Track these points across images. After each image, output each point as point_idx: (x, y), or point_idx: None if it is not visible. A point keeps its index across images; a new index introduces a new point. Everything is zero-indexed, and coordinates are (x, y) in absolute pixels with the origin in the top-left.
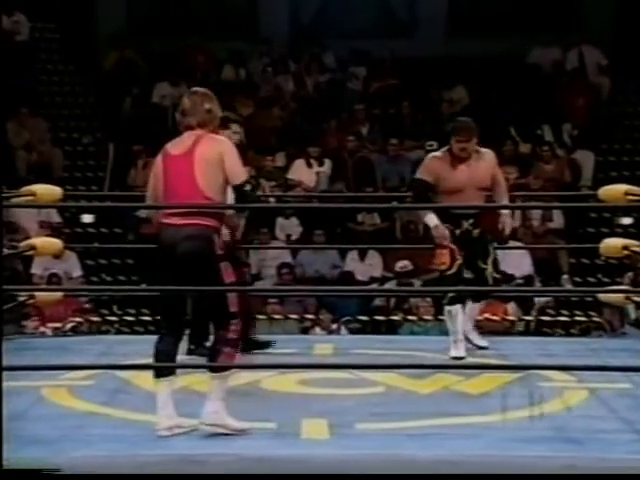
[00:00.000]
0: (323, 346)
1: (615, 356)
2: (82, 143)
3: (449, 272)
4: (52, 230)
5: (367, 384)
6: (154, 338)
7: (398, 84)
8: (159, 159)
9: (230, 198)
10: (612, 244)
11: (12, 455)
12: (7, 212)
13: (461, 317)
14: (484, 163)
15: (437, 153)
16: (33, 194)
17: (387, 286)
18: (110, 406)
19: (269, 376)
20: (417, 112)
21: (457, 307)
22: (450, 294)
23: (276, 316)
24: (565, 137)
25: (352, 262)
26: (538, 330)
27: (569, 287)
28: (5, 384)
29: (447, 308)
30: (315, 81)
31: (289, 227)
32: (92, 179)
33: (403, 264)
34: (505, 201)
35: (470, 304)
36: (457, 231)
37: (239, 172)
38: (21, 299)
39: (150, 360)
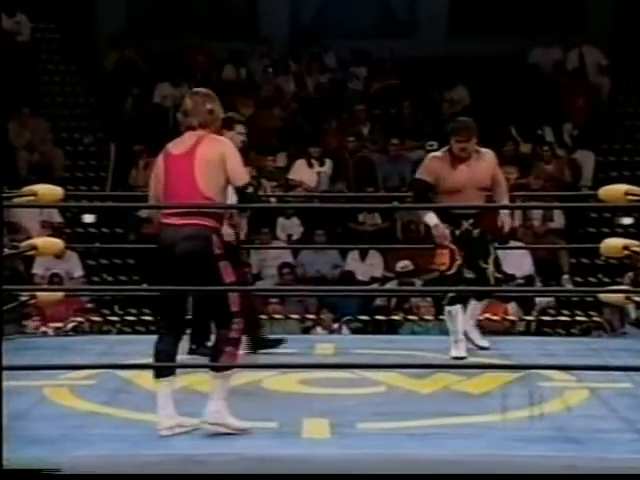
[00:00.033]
0: (324, 346)
1: (615, 356)
2: (83, 143)
3: (448, 272)
4: (53, 230)
5: (368, 384)
6: (155, 338)
7: (399, 84)
8: (160, 159)
9: (231, 199)
10: (612, 244)
11: (14, 455)
12: (8, 212)
13: (461, 317)
14: (484, 163)
15: (437, 153)
16: (34, 194)
17: (388, 286)
18: (111, 406)
19: (270, 376)
20: (418, 112)
21: (457, 307)
22: (450, 294)
23: (277, 316)
24: (565, 137)
25: (353, 262)
26: (539, 330)
27: (570, 287)
28: (7, 384)
29: (447, 308)
30: (316, 81)
31: (290, 227)
32: (93, 179)
33: (404, 264)
34: (505, 201)
35: (472, 303)
36: (457, 231)
37: (241, 174)
38: (22, 299)
39: (151, 360)
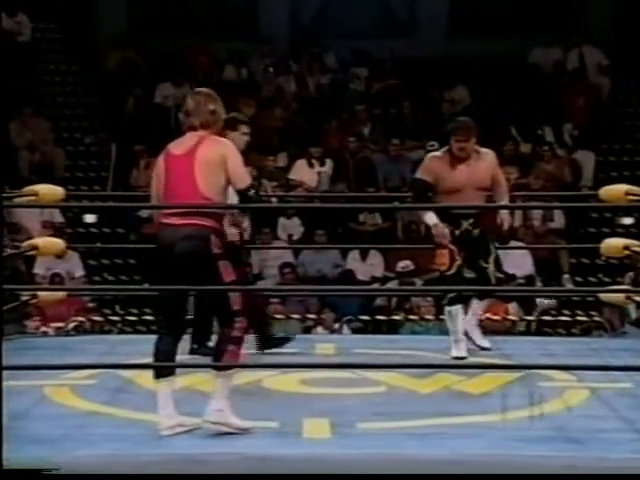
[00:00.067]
0: (325, 346)
1: (616, 356)
2: (84, 143)
3: (448, 273)
4: (54, 230)
5: (369, 384)
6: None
7: (399, 84)
8: (161, 159)
9: (231, 199)
10: (613, 244)
11: (15, 454)
12: (9, 212)
13: (461, 317)
14: (484, 163)
15: (437, 153)
16: (35, 194)
17: (388, 286)
18: (112, 405)
19: (271, 375)
20: (418, 112)
21: (457, 307)
22: (450, 295)
23: (278, 316)
24: (566, 137)
25: (353, 262)
26: (539, 330)
27: (570, 287)
28: (8, 383)
29: (447, 309)
30: (316, 81)
31: (291, 227)
32: (94, 179)
33: (404, 264)
34: (505, 201)
35: (474, 303)
36: (457, 231)
37: (243, 176)
38: (24, 299)
39: (152, 360)
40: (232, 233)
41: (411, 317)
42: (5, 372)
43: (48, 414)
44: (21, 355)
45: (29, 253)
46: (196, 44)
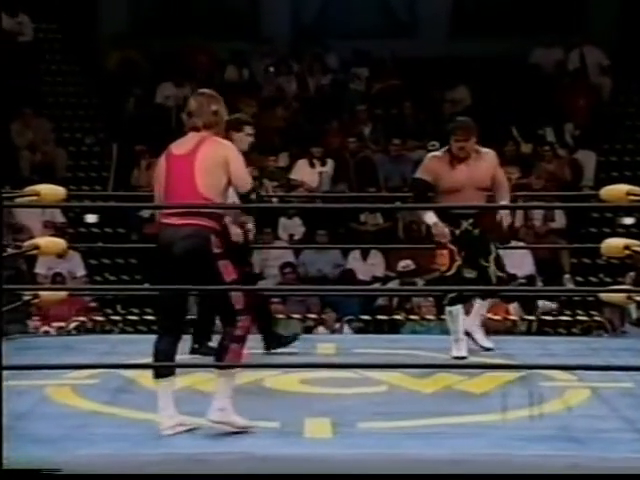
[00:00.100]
0: (326, 345)
1: (617, 355)
2: (85, 143)
3: (448, 273)
4: (56, 230)
5: (370, 383)
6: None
7: (400, 84)
8: (162, 159)
9: (232, 199)
10: (614, 244)
11: (16, 454)
12: (11, 212)
13: (462, 317)
14: (484, 163)
15: (437, 153)
16: (37, 194)
17: (389, 286)
18: (114, 405)
19: (272, 375)
20: (419, 112)
21: (458, 307)
22: (450, 295)
23: (279, 316)
24: (567, 137)
25: (354, 262)
26: (540, 330)
27: (571, 287)
28: (9, 383)
29: (447, 309)
30: (317, 82)
31: (292, 227)
32: (95, 179)
33: (405, 264)
34: (505, 200)
35: (477, 303)
36: (457, 231)
37: (245, 179)
38: (25, 299)
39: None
40: (237, 233)
41: (412, 317)
42: (6, 372)
43: (49, 414)
44: (22, 355)
45: (30, 253)
46: (197, 44)
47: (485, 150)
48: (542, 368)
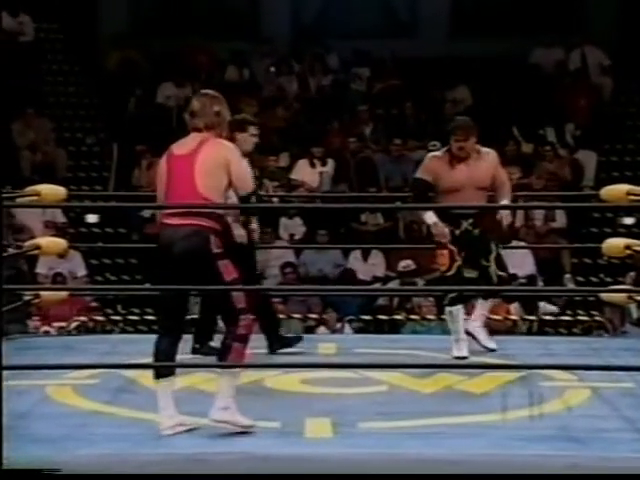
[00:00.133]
0: (326, 345)
1: (617, 355)
2: (86, 143)
3: (448, 273)
4: (57, 230)
5: (370, 383)
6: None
7: (401, 84)
8: (164, 159)
9: (232, 199)
10: (614, 244)
11: (16, 454)
12: (11, 212)
13: (462, 317)
14: (485, 163)
15: (437, 153)
16: (38, 194)
17: (390, 286)
18: (114, 405)
19: (273, 375)
20: (420, 112)
21: (458, 307)
22: (450, 295)
23: (280, 315)
24: (568, 137)
25: (355, 262)
26: (541, 330)
27: (572, 287)
28: (10, 383)
29: (448, 309)
30: (318, 82)
31: (292, 227)
32: (96, 179)
33: (406, 264)
34: (506, 200)
35: (479, 303)
36: (457, 231)
37: (246, 181)
38: (26, 299)
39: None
40: (240, 234)
41: (412, 317)
42: (6, 372)
43: (49, 413)
44: (23, 355)
45: (31, 253)
46: (197, 44)
47: (486, 150)
48: (542, 368)
